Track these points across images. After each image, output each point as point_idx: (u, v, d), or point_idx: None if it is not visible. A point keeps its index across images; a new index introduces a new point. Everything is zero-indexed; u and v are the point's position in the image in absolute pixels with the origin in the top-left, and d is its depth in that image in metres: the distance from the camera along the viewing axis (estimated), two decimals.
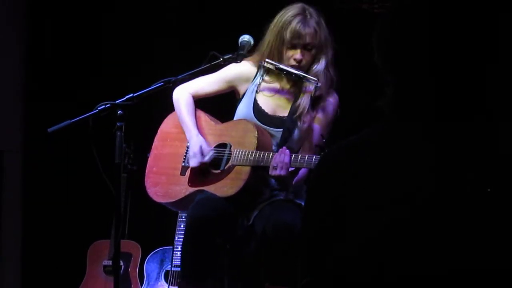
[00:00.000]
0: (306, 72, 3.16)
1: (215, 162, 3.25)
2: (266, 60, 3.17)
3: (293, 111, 3.20)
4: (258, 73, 3.29)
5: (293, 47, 3.15)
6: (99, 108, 2.77)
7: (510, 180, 1.25)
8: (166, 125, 3.43)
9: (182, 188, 3.26)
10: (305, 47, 3.14)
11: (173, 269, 4.28)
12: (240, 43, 3.11)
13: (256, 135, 3.15)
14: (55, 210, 4.71)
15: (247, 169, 3.13)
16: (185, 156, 3.30)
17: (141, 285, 4.40)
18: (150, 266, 4.43)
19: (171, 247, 4.27)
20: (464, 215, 1.25)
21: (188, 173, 3.27)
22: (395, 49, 1.35)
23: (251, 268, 3.20)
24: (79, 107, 2.89)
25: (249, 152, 3.11)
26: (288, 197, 3.20)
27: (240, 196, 3.13)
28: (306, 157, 2.99)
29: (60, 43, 4.81)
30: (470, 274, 1.24)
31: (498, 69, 1.31)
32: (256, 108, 3.26)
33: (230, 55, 3.05)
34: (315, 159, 2.95)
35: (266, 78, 3.29)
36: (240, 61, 3.09)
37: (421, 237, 1.26)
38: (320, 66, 3.15)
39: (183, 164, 3.29)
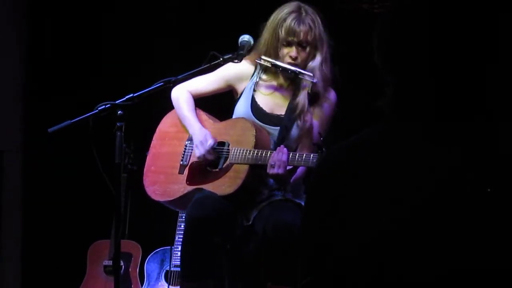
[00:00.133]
0: (302, 69, 3.17)
1: (214, 160, 3.26)
2: (262, 57, 3.18)
3: (291, 109, 3.20)
4: (256, 71, 3.30)
5: (288, 44, 3.16)
6: (99, 108, 2.77)
7: (510, 180, 1.25)
8: (164, 124, 3.43)
9: (180, 187, 3.27)
10: (300, 44, 3.15)
11: (173, 269, 4.28)
12: (240, 43, 3.12)
13: (254, 134, 3.15)
14: (55, 210, 4.71)
15: (245, 168, 3.13)
16: (183, 154, 3.30)
17: (142, 285, 4.40)
18: (151, 266, 4.43)
19: (171, 247, 4.27)
20: (464, 215, 1.25)
21: (186, 171, 3.28)
22: (395, 49, 1.35)
23: (252, 268, 3.20)
24: (79, 107, 2.89)
25: (247, 151, 3.12)
26: (286, 197, 3.20)
27: (239, 194, 3.13)
28: (304, 155, 2.99)
29: (60, 43, 4.81)
30: (470, 274, 1.24)
31: (498, 69, 1.31)
32: (254, 106, 3.26)
33: (230, 55, 3.06)
34: (312, 157, 2.95)
35: (264, 76, 3.30)
36: (240, 61, 3.10)
37: (421, 237, 1.26)
38: (315, 63, 3.16)
39: (181, 162, 3.30)
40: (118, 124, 2.74)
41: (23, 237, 4.81)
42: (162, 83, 2.90)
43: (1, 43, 4.66)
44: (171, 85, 2.95)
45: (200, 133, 3.24)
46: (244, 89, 3.31)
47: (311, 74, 3.13)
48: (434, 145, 1.31)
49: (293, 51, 3.15)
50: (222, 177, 3.20)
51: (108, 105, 2.76)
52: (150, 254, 4.45)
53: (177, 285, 4.21)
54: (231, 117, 3.33)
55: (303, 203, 3.15)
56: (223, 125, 3.32)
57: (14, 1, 4.81)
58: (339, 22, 3.49)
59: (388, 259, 1.27)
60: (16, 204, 4.78)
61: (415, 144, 1.32)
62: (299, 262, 1.38)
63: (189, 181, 3.26)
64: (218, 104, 3.47)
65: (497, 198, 1.25)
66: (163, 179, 3.32)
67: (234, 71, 3.30)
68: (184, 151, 3.30)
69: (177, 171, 3.29)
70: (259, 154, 3.08)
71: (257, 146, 3.13)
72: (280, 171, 2.98)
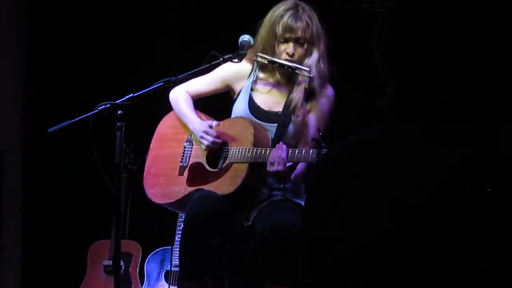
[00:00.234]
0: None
1: (213, 160, 3.26)
2: (258, 54, 3.18)
3: (287, 105, 3.21)
4: (253, 69, 3.30)
5: (285, 41, 3.16)
6: (99, 108, 2.77)
7: (510, 180, 1.25)
8: (163, 126, 3.44)
9: (180, 188, 3.27)
10: (297, 41, 3.16)
11: (173, 269, 4.28)
12: (240, 43, 3.12)
13: (253, 132, 3.15)
14: (55, 210, 4.71)
15: (245, 166, 3.13)
16: (183, 156, 3.30)
17: (142, 285, 4.40)
18: (151, 266, 4.43)
19: (171, 247, 4.27)
20: (464, 215, 1.25)
21: (186, 173, 3.28)
22: (395, 49, 1.35)
23: (252, 268, 3.20)
24: (79, 107, 2.89)
25: (246, 149, 3.12)
26: (286, 196, 3.20)
27: (239, 194, 3.13)
28: (303, 151, 2.99)
29: (60, 43, 4.81)
30: (471, 274, 1.24)
31: (498, 69, 1.31)
32: (252, 104, 3.26)
33: (230, 55, 3.06)
34: (312, 153, 2.95)
35: (261, 74, 3.30)
36: (240, 61, 3.10)
37: (421, 237, 1.26)
38: (312, 59, 3.16)
39: (180, 164, 3.30)
40: (118, 124, 2.74)
41: (23, 237, 4.81)
42: (162, 83, 2.90)
43: (1, 43, 4.66)
44: (171, 85, 2.95)
45: (201, 126, 3.25)
46: (241, 88, 3.31)
47: (308, 69, 3.14)
48: (434, 145, 1.31)
49: (290, 48, 3.15)
50: (222, 177, 3.20)
51: (108, 105, 2.76)
52: (150, 254, 4.45)
53: (177, 285, 4.21)
54: (230, 117, 3.33)
55: (303, 203, 3.14)
56: (221, 125, 3.32)
57: (14, 1, 4.81)
58: (339, 21, 3.49)
59: (388, 259, 1.27)
60: (16, 204, 4.78)
61: (415, 144, 1.32)
62: (299, 262, 1.38)
63: (189, 182, 3.26)
64: (216, 105, 3.48)
65: (497, 198, 1.25)
66: (163, 181, 3.32)
67: (231, 71, 3.30)
68: (183, 152, 3.30)
69: (177, 172, 3.29)
70: (259, 152, 3.08)
71: (256, 144, 3.13)
72: (280, 168, 2.98)
